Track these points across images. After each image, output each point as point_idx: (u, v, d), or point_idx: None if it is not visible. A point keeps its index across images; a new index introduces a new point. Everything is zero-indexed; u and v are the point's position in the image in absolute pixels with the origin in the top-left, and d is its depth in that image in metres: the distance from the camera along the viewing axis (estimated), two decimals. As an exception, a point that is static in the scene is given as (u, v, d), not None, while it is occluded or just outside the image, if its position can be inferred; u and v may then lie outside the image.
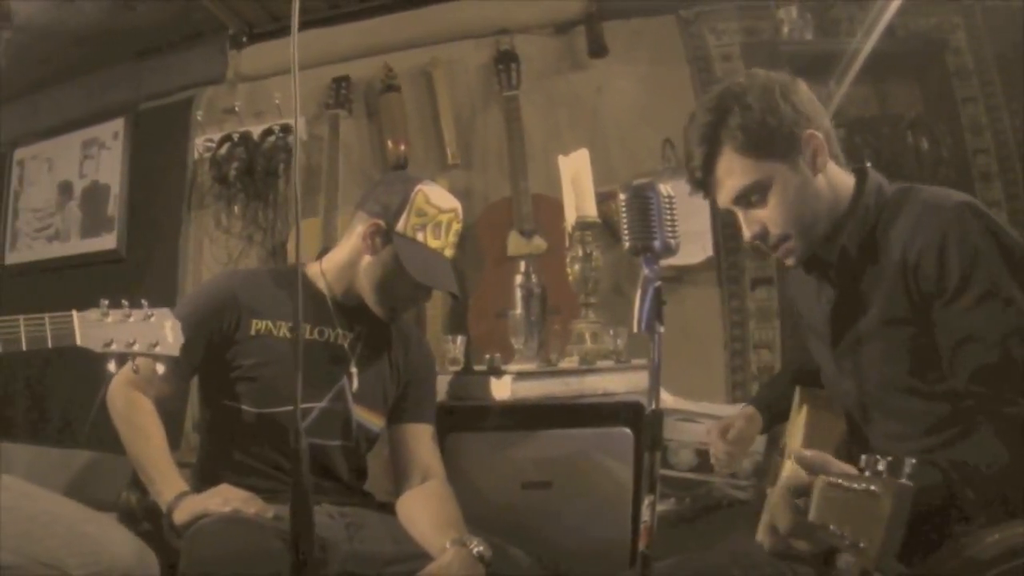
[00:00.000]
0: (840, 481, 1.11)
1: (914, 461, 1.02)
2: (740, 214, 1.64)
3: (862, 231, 1.58)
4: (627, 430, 2.30)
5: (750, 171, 1.57)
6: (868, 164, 1.67)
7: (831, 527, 1.11)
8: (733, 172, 1.58)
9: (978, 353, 1.42)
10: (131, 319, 1.55)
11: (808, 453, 1.23)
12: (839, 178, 1.62)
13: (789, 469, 1.49)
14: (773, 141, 1.56)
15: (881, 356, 1.55)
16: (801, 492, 1.20)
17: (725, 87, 1.63)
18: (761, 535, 1.35)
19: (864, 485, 1.05)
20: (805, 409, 1.65)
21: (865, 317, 1.56)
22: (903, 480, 1.01)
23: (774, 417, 1.96)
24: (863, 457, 1.09)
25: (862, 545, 1.02)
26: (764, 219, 1.60)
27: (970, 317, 1.42)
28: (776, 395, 1.98)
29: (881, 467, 1.05)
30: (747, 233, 1.64)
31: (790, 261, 1.66)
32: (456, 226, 2.10)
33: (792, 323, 1.92)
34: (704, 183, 1.63)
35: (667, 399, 2.60)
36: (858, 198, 1.60)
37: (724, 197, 1.63)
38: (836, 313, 1.64)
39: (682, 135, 1.66)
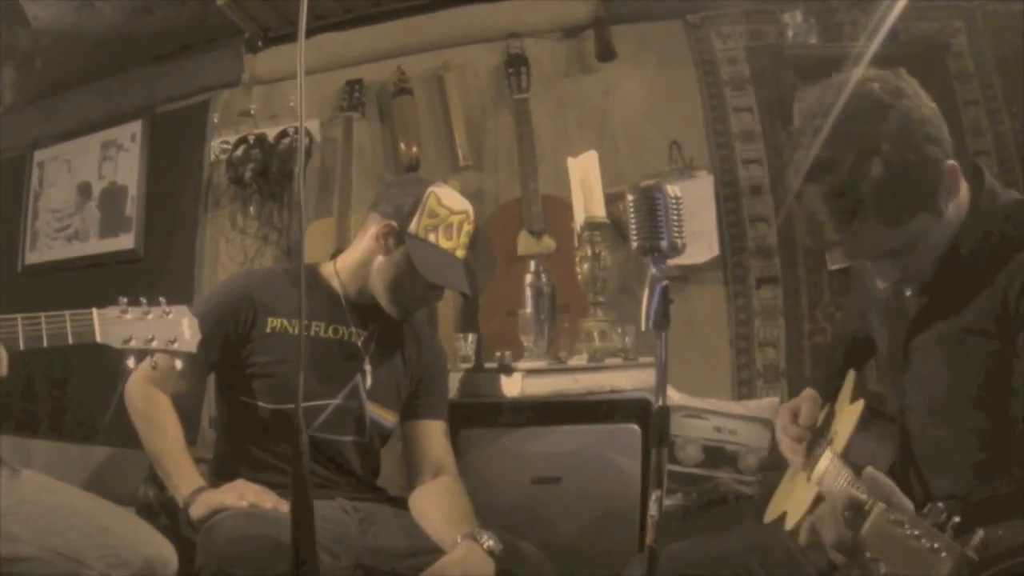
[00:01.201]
0: (903, 520, 1.09)
1: (982, 533, 1.01)
2: (872, 266, 1.54)
3: (972, 239, 1.46)
4: (635, 426, 2.33)
5: (893, 238, 1.43)
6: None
7: (878, 559, 1.10)
8: (870, 239, 1.44)
9: None
10: (150, 316, 1.57)
11: (876, 474, 1.22)
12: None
13: (828, 460, 1.50)
14: (917, 196, 1.39)
15: (955, 361, 1.48)
16: (853, 507, 1.19)
17: (850, 124, 1.39)
18: (800, 534, 1.37)
19: (930, 541, 1.04)
20: (861, 405, 1.61)
21: (949, 320, 1.47)
22: (970, 551, 1.00)
23: (829, 396, 1.80)
24: (928, 504, 1.08)
25: None
26: (903, 268, 1.50)
27: None
28: (832, 373, 1.84)
29: (942, 517, 1.04)
30: (881, 284, 1.54)
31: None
32: (468, 227, 2.12)
33: (856, 295, 1.79)
34: (832, 246, 1.52)
35: (674, 396, 2.62)
36: (975, 206, 1.47)
37: (857, 257, 1.51)
38: (919, 308, 1.54)
39: (786, 171, 1.52)
